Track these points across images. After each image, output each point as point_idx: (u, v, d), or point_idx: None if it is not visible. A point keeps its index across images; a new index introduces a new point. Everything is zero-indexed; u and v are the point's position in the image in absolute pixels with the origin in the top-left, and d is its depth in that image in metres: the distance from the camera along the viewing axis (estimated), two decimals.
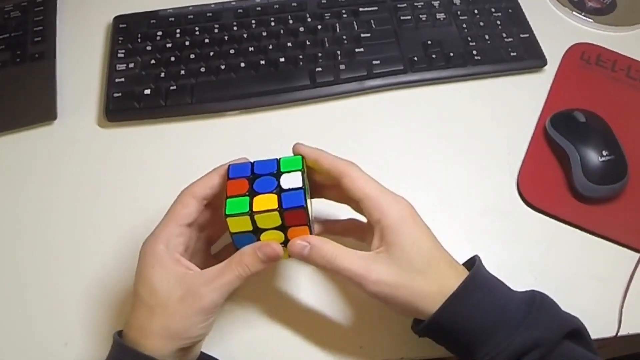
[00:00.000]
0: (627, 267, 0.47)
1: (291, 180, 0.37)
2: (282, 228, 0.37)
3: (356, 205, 0.41)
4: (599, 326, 0.45)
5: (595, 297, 0.46)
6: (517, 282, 0.46)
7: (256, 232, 0.37)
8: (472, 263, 0.39)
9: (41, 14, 0.62)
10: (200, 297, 0.35)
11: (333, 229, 0.44)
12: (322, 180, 0.42)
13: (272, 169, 0.38)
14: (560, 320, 0.37)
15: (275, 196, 0.36)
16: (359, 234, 0.43)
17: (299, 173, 0.38)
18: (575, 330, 0.37)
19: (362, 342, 0.44)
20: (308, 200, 0.38)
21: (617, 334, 0.45)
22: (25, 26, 0.61)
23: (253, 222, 0.36)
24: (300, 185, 0.37)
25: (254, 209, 0.36)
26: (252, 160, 0.39)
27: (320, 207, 0.45)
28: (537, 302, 0.37)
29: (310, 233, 0.39)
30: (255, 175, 0.38)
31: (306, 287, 0.46)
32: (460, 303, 0.36)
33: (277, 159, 0.39)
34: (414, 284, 0.36)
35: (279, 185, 0.37)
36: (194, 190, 0.38)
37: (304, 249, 0.37)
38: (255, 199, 0.36)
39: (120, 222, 0.49)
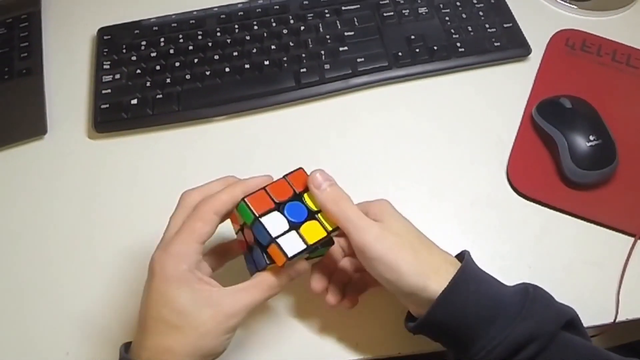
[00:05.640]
0: (621, 252, 0.47)
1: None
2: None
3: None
4: (597, 313, 0.45)
5: (591, 284, 0.46)
6: (512, 271, 0.46)
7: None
8: (462, 257, 0.39)
9: (26, 29, 0.62)
10: (231, 316, 0.35)
11: None
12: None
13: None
14: (556, 312, 0.36)
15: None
16: None
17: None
18: (571, 320, 0.37)
19: (358, 339, 0.44)
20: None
21: (615, 320, 0.45)
22: (12, 43, 0.61)
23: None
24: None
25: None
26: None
27: None
28: (530, 294, 0.36)
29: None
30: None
31: (299, 288, 0.46)
32: (455, 297, 0.35)
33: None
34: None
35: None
36: (216, 207, 0.36)
37: (323, 183, 0.37)
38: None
39: (115, 232, 0.50)
